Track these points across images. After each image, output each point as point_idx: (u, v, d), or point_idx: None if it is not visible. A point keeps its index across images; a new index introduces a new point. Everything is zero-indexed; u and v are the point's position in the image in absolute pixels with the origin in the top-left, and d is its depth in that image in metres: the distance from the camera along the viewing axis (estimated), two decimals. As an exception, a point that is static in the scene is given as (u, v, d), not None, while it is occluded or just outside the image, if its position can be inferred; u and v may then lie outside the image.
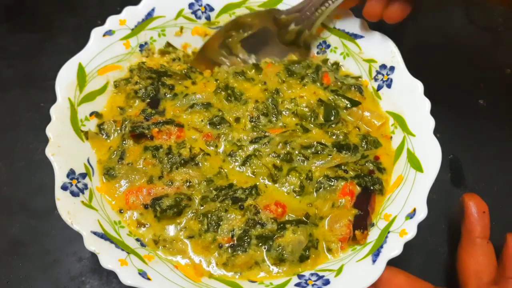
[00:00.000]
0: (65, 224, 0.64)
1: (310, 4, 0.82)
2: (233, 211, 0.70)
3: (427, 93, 0.76)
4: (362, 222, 0.70)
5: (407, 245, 0.65)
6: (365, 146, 0.77)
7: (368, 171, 0.75)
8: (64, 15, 1.05)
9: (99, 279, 0.77)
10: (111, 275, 0.72)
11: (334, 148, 0.75)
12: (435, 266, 0.80)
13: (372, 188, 0.73)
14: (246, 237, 0.69)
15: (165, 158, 0.74)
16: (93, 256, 0.61)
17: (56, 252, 0.79)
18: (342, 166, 0.75)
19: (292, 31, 0.86)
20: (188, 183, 0.73)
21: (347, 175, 0.74)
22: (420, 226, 0.66)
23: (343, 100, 0.80)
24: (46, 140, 0.70)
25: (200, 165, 0.74)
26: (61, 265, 0.78)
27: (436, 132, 0.72)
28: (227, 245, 0.69)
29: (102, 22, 0.81)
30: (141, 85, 0.81)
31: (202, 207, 0.71)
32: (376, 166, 0.76)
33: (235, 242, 0.69)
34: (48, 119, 0.71)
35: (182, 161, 0.73)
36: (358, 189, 0.73)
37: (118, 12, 0.82)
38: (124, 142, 0.76)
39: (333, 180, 0.73)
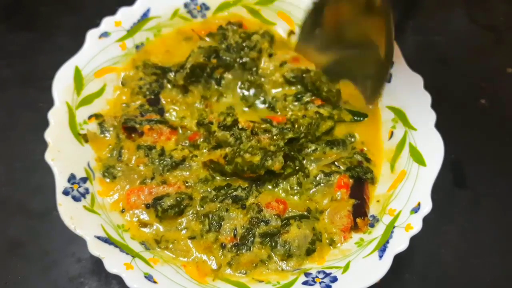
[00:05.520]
0: (64, 225, 0.64)
1: None
2: (234, 210, 0.71)
3: (428, 92, 0.75)
4: (361, 210, 0.73)
5: (408, 247, 0.64)
6: (351, 139, 0.80)
7: (357, 162, 0.77)
8: (62, 14, 1.04)
9: (98, 280, 0.76)
10: (110, 276, 0.71)
11: (327, 146, 0.78)
12: (436, 267, 0.79)
13: (364, 177, 0.75)
14: (250, 236, 0.69)
15: (157, 160, 0.75)
16: (92, 257, 0.61)
17: (54, 253, 0.78)
18: (335, 162, 0.77)
19: None
20: (186, 183, 0.73)
21: (340, 170, 0.76)
22: (421, 227, 0.66)
23: None
24: (44, 140, 0.69)
25: (190, 166, 0.75)
26: (60, 266, 0.77)
27: (437, 131, 0.73)
28: (230, 244, 0.69)
29: (101, 21, 0.81)
30: (145, 81, 0.82)
31: (202, 208, 0.71)
32: (364, 157, 0.78)
33: (238, 241, 0.69)
34: (46, 119, 0.71)
35: (174, 163, 0.74)
36: (351, 181, 0.75)
37: (116, 10, 0.82)
38: (118, 136, 0.77)
39: (329, 175, 0.75)
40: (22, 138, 0.88)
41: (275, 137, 0.74)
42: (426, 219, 0.66)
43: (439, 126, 0.73)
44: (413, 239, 0.65)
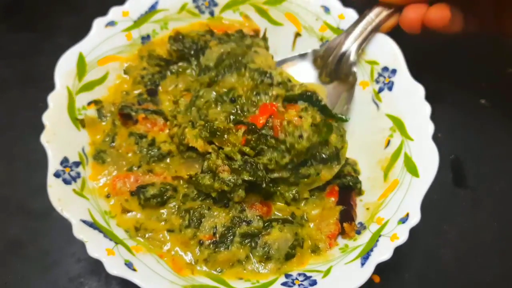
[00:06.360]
0: (64, 225, 0.64)
1: (345, 36, 0.80)
2: (216, 209, 0.70)
3: (428, 93, 0.75)
4: (348, 215, 0.72)
5: (408, 247, 0.64)
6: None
7: (347, 172, 0.76)
8: (62, 14, 1.04)
9: (98, 280, 0.76)
10: (110, 277, 0.71)
11: (321, 164, 0.72)
12: (436, 267, 0.79)
13: (353, 186, 0.75)
14: (230, 234, 0.68)
15: (145, 149, 0.75)
16: (92, 257, 0.61)
17: (55, 253, 0.78)
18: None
19: (331, 63, 0.82)
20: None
21: (332, 181, 0.75)
22: (421, 227, 0.65)
23: None
24: (45, 141, 0.69)
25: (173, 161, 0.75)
26: (60, 266, 0.78)
27: (437, 132, 0.72)
28: (208, 242, 0.68)
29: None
30: (148, 71, 0.82)
31: (184, 204, 0.71)
32: (352, 168, 0.78)
33: (217, 239, 0.68)
34: (47, 120, 0.71)
35: (160, 155, 0.74)
36: (338, 188, 0.75)
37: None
38: (114, 123, 0.77)
39: (322, 189, 0.75)
40: (22, 138, 0.88)
41: (239, 169, 0.68)
42: (426, 219, 0.66)
43: (439, 126, 0.73)
44: (413, 239, 0.64)
